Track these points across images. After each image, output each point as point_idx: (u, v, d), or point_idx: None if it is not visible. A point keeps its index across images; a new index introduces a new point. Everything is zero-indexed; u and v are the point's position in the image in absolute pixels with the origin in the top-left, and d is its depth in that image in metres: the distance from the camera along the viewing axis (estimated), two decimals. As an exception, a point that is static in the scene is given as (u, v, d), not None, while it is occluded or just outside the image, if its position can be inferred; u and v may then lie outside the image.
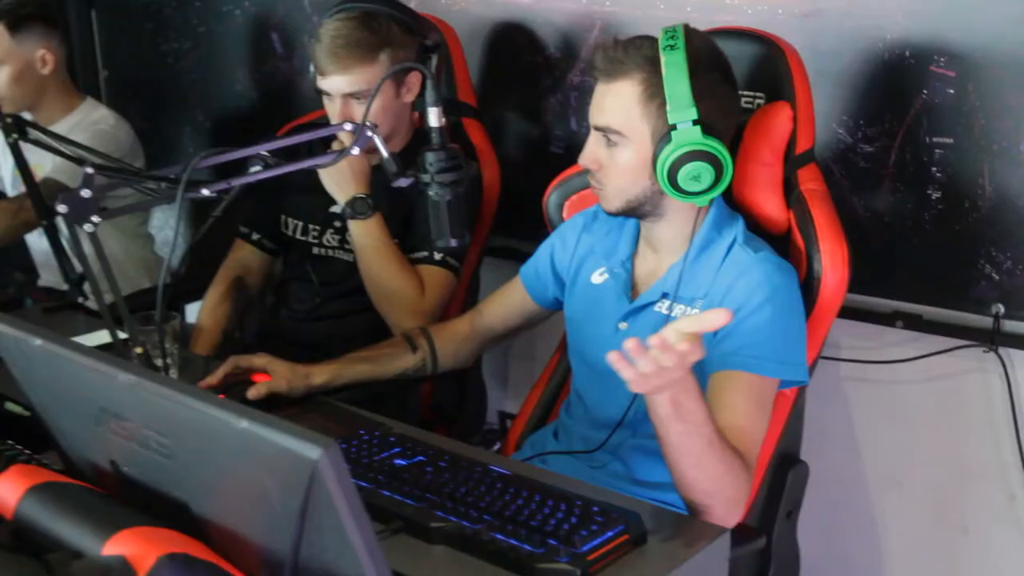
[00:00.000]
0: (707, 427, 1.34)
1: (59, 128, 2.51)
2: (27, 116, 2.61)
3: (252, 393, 1.69)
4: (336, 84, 2.02)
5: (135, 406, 1.07)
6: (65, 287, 2.39)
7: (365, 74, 2.01)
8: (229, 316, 2.23)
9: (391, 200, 2.05)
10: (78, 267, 2.24)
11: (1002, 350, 1.99)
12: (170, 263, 1.50)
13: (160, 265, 2.86)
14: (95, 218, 1.42)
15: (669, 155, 1.53)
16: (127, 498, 1.14)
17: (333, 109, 2.05)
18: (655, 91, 1.54)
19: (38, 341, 1.16)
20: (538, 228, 2.05)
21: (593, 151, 1.62)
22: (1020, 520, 2.05)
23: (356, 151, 1.55)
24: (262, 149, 1.54)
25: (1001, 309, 1.94)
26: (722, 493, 1.38)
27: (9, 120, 2.05)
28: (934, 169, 1.95)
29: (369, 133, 1.53)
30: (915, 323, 2.06)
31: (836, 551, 2.24)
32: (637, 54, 1.56)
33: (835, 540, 2.22)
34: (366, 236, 2.03)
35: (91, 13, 3.37)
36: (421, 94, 2.14)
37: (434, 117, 1.55)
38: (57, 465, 1.28)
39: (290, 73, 2.91)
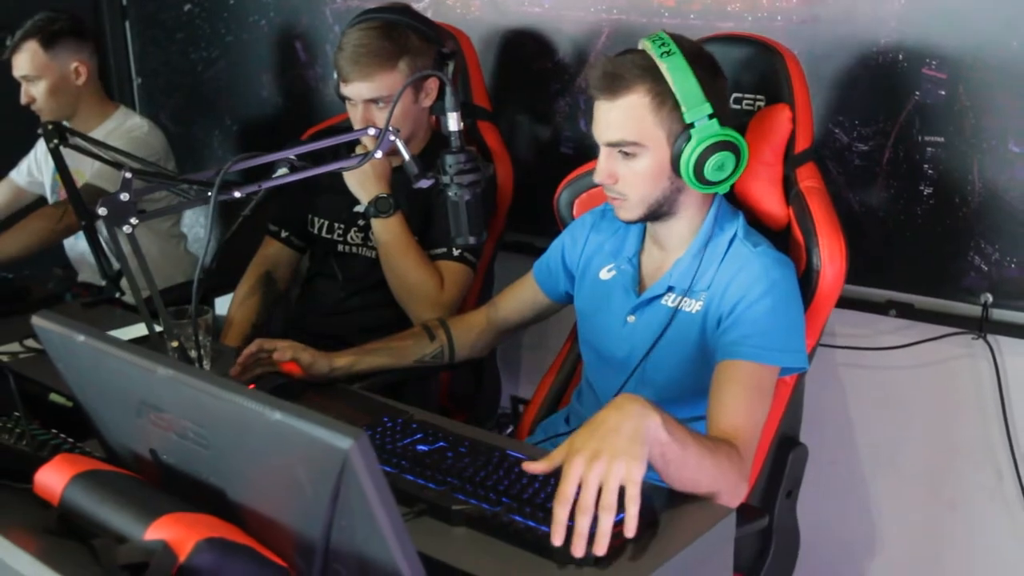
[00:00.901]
0: (686, 430, 1.29)
1: (95, 135, 2.51)
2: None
3: (277, 355, 1.70)
4: (358, 90, 2.01)
5: (174, 399, 1.07)
6: (102, 282, 2.40)
7: (385, 81, 2.00)
8: (258, 309, 2.24)
9: (412, 200, 2.04)
10: (115, 264, 2.24)
11: (990, 337, 1.97)
12: (203, 261, 1.50)
13: (192, 262, 2.88)
14: (133, 220, 1.42)
15: (693, 151, 1.53)
16: (166, 485, 1.14)
17: (355, 114, 2.05)
18: (663, 97, 1.53)
19: (81, 337, 1.16)
20: (549, 224, 2.04)
21: (608, 166, 1.60)
22: (1006, 497, 2.04)
23: (379, 154, 1.54)
24: (291, 154, 1.53)
25: (989, 298, 1.93)
26: (724, 482, 1.35)
27: (50, 127, 2.05)
28: (926, 166, 1.94)
29: (392, 137, 1.52)
30: (907, 312, 2.05)
31: (832, 527, 2.23)
32: (634, 67, 1.54)
33: (831, 516, 2.21)
34: (387, 233, 2.03)
35: (125, 24, 3.38)
36: (439, 99, 2.16)
37: (453, 122, 1.54)
38: (99, 452, 1.28)
39: (313, 80, 2.90)
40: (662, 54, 1.52)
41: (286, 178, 1.54)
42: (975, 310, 1.96)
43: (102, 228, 2.27)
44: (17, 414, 1.41)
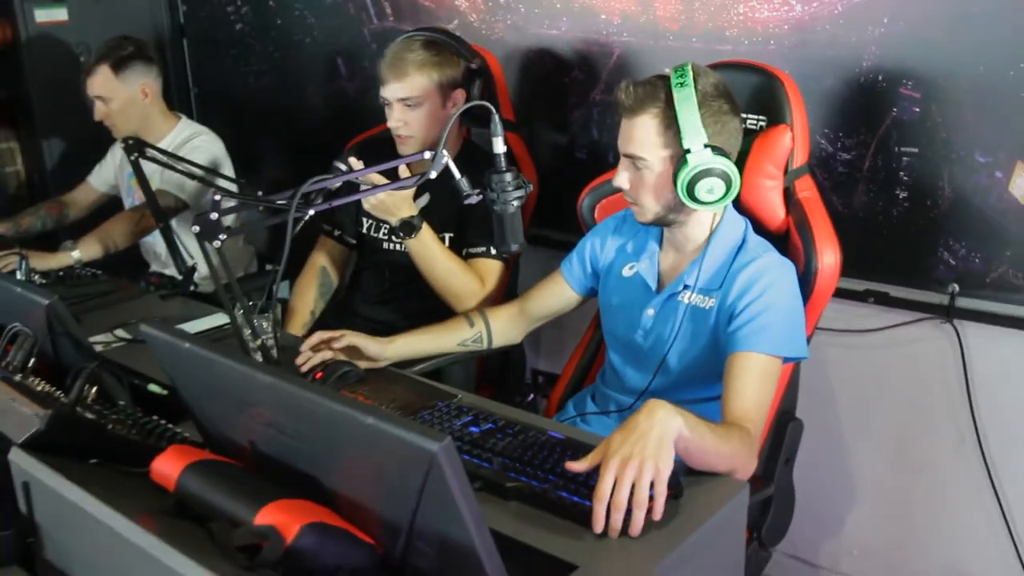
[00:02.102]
0: (705, 424, 1.31)
1: (161, 145, 2.51)
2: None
3: (335, 344, 1.73)
4: (392, 90, 2.01)
5: (272, 401, 1.07)
6: (167, 271, 2.41)
7: (416, 82, 2.00)
8: (315, 300, 2.25)
9: (449, 199, 2.03)
10: (189, 261, 2.25)
11: (956, 321, 2.00)
12: (279, 273, 1.50)
13: (249, 255, 2.89)
14: (222, 236, 1.43)
15: (687, 174, 1.53)
16: (262, 470, 1.15)
17: (391, 115, 2.04)
18: (670, 122, 1.54)
19: (186, 345, 1.16)
20: (567, 220, 2.05)
21: (624, 174, 1.62)
22: (967, 458, 2.06)
23: (434, 175, 1.54)
24: (355, 176, 1.53)
25: (956, 288, 1.95)
26: (737, 462, 1.37)
27: (131, 142, 2.06)
28: (902, 174, 1.95)
29: (445, 159, 1.52)
30: (884, 299, 2.07)
31: (817, 488, 2.25)
32: (653, 92, 1.56)
33: (817, 478, 2.23)
34: (422, 247, 1.98)
35: (183, 41, 3.35)
36: (466, 111, 2.14)
37: (498, 145, 1.54)
38: (195, 436, 1.29)
39: (353, 92, 2.89)
40: (676, 84, 1.53)
41: (351, 196, 1.55)
42: (943, 298, 1.98)
43: (175, 228, 2.30)
44: (122, 403, 1.42)
